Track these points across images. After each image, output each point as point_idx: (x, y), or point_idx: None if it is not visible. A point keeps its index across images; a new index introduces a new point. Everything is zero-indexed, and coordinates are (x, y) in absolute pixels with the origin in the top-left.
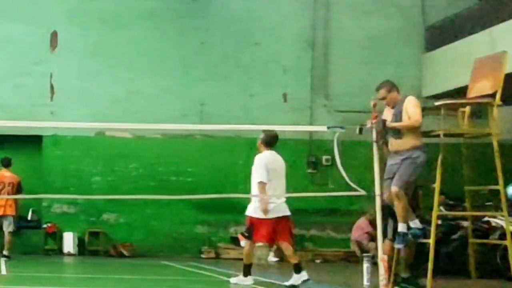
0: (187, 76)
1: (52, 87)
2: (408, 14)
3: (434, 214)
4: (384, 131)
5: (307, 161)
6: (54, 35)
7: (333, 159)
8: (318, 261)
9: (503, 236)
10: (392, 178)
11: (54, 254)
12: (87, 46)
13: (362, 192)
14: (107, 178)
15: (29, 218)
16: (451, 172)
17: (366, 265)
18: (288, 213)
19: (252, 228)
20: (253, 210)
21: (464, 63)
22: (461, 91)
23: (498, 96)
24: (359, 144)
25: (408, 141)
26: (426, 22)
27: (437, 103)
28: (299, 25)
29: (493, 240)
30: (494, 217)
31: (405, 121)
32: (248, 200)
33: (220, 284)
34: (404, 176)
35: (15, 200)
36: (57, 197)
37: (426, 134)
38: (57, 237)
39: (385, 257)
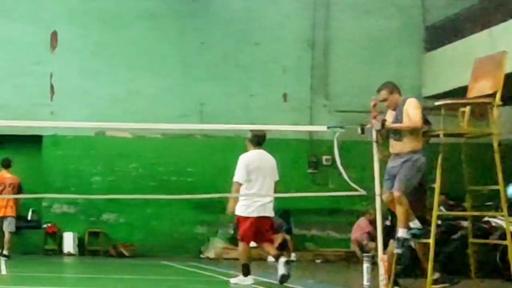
0: (187, 76)
1: (52, 87)
2: (408, 14)
3: (434, 214)
4: (385, 131)
5: (307, 161)
6: (54, 35)
7: (333, 159)
8: (318, 261)
9: (503, 236)
10: (391, 179)
11: (54, 254)
12: (87, 46)
13: (362, 192)
14: (107, 178)
15: (29, 218)
16: (451, 172)
17: (366, 265)
18: (272, 214)
19: (238, 226)
20: (238, 208)
21: (464, 63)
22: (461, 91)
23: (498, 96)
24: (359, 144)
25: (408, 144)
26: (426, 22)
27: (437, 103)
28: (299, 25)
29: (493, 240)
30: (494, 217)
31: (405, 123)
32: None
33: (220, 284)
34: (404, 179)
35: (16, 201)
36: (57, 197)
37: (426, 134)
38: (57, 237)
39: (385, 257)
